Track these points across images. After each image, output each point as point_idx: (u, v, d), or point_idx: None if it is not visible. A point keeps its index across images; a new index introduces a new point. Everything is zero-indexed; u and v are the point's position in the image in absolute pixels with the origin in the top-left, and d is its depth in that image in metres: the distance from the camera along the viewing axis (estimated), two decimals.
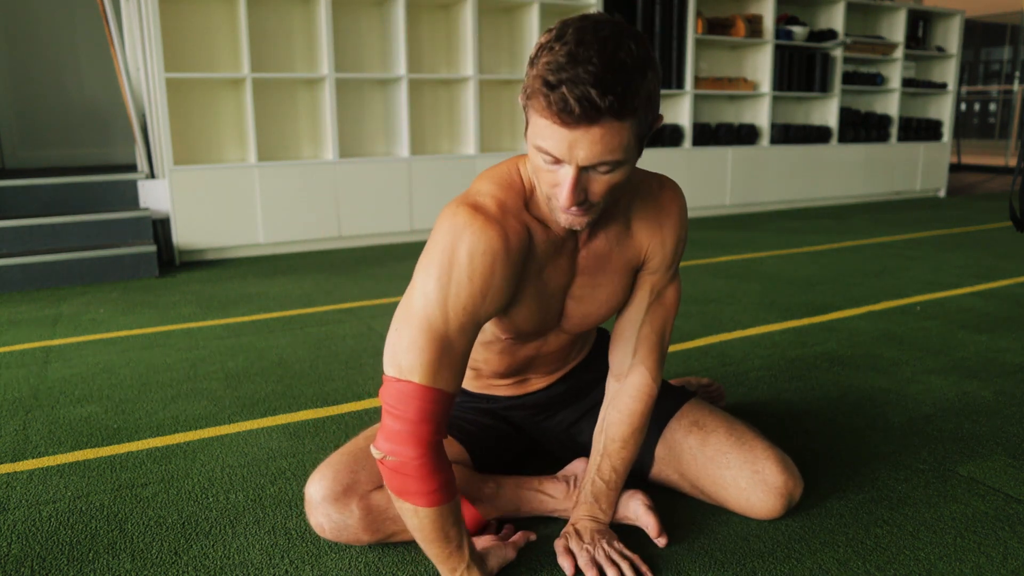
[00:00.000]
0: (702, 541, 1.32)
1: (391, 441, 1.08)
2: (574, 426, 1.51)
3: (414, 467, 1.08)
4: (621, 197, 1.19)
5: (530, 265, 1.16)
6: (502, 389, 1.48)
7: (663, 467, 1.43)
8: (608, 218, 1.20)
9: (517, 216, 1.13)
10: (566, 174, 1.00)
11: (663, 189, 1.25)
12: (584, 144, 0.96)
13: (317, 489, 1.26)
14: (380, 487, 1.29)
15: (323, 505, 1.25)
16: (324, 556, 1.29)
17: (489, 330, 1.27)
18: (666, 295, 1.30)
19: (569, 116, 0.94)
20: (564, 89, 0.93)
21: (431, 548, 1.15)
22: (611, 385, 1.34)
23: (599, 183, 1.02)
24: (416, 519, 1.12)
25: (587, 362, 1.50)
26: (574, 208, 1.03)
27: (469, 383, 1.51)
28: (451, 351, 1.09)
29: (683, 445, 1.40)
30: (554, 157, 0.99)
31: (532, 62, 0.98)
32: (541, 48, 0.97)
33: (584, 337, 1.46)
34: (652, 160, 5.28)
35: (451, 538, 1.14)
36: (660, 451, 1.42)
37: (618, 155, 0.98)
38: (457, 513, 1.14)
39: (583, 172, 1.00)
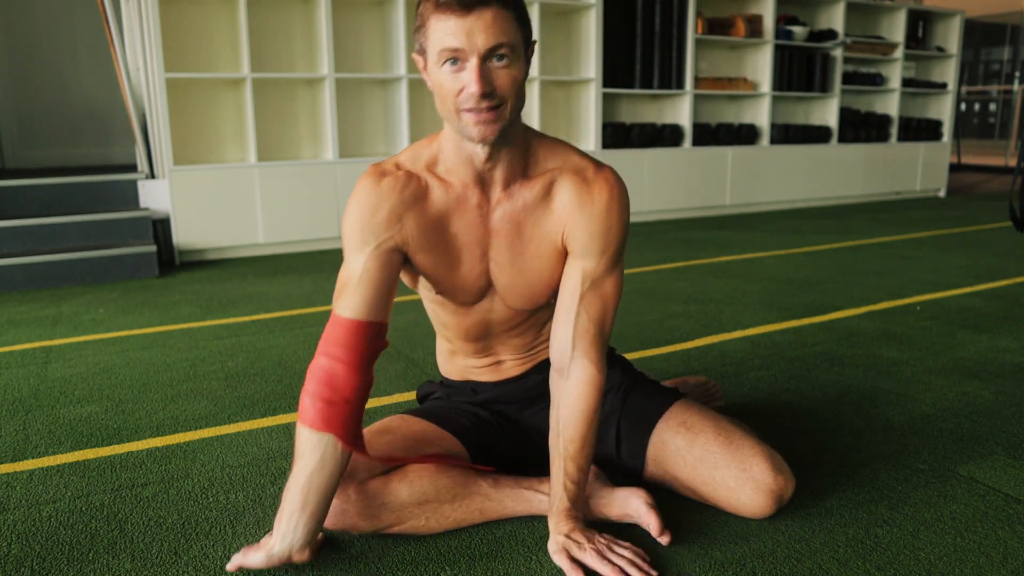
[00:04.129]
0: (702, 541, 1.32)
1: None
2: None
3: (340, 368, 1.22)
4: (535, 158, 1.29)
5: (427, 211, 1.27)
6: (479, 373, 1.51)
7: (654, 469, 1.43)
8: (523, 179, 1.29)
9: (412, 167, 1.28)
10: (471, 66, 1.11)
11: (598, 175, 1.30)
12: (480, 28, 1.09)
13: None
14: (377, 475, 1.30)
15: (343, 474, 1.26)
16: (324, 556, 1.29)
17: (424, 287, 1.39)
18: (604, 286, 1.30)
19: (463, 2, 1.08)
20: None
21: (291, 484, 1.21)
22: (555, 381, 1.33)
23: (501, 76, 1.13)
24: (308, 439, 1.20)
25: None
26: (484, 105, 1.12)
27: (448, 367, 1.56)
28: (363, 284, 1.24)
29: (671, 446, 1.40)
30: (457, 53, 1.11)
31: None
32: None
33: (542, 320, 1.46)
34: (652, 160, 5.29)
35: (307, 502, 1.20)
36: (650, 452, 1.43)
37: (512, 38, 1.12)
38: (327, 487, 1.21)
39: (484, 64, 1.11)
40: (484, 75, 1.11)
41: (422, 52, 1.17)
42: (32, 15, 4.76)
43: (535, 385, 1.50)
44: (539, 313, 1.44)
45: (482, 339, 1.46)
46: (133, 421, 1.91)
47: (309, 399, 1.22)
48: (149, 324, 2.82)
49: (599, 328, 1.30)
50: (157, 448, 1.75)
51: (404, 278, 1.37)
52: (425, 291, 1.42)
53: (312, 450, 1.19)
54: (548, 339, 1.48)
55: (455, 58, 1.11)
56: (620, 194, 1.29)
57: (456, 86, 1.13)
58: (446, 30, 1.10)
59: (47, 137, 4.89)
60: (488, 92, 1.12)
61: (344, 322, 1.23)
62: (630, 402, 1.47)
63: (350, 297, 1.24)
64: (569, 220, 1.28)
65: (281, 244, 4.30)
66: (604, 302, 1.30)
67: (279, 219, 4.23)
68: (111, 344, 2.58)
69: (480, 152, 1.22)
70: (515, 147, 1.25)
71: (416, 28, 1.16)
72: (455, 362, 1.54)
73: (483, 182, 1.27)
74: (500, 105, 1.14)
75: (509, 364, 1.51)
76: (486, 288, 1.36)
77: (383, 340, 1.27)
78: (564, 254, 1.31)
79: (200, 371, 2.29)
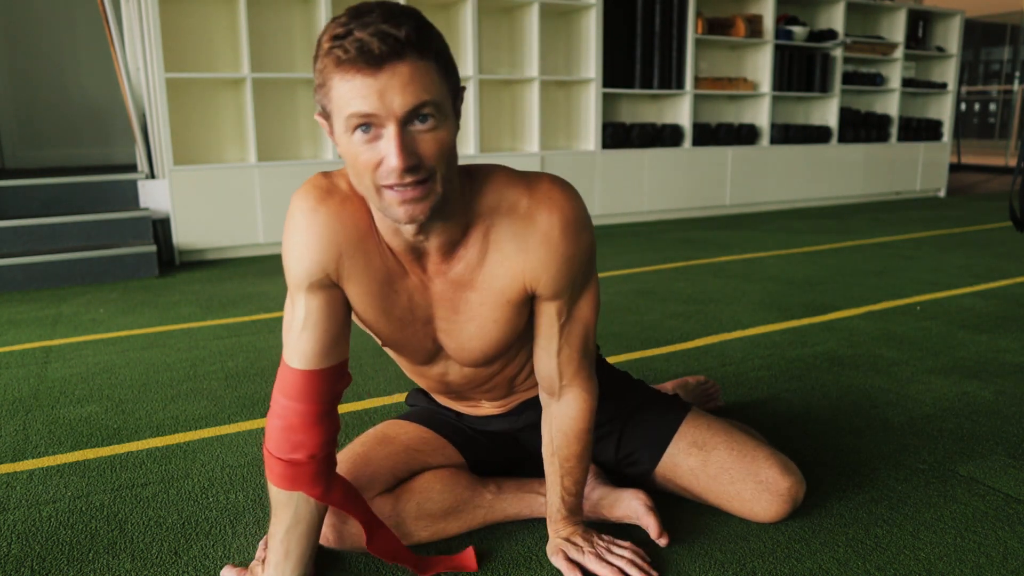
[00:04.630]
0: (702, 541, 1.32)
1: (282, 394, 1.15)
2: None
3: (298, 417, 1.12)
4: (467, 209, 1.09)
5: (369, 252, 1.10)
6: (459, 407, 1.45)
7: (664, 484, 1.42)
8: (462, 239, 1.11)
9: (364, 202, 1.08)
10: (389, 135, 0.91)
11: (535, 204, 1.09)
12: (396, 87, 0.90)
13: None
14: (379, 494, 1.29)
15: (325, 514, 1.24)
16: (322, 556, 1.29)
17: (371, 333, 1.25)
18: (580, 310, 1.18)
19: (371, 56, 0.88)
20: (356, 32, 0.89)
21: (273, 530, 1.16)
22: (546, 400, 1.27)
23: (427, 142, 0.93)
24: (277, 496, 1.14)
25: None
26: (409, 180, 0.93)
27: (434, 394, 1.47)
28: (308, 330, 1.12)
29: (683, 467, 1.38)
30: (369, 119, 0.91)
31: (317, 52, 0.94)
32: (322, 34, 0.94)
33: (510, 377, 1.34)
34: (652, 160, 5.29)
35: (290, 552, 1.15)
36: (660, 472, 1.40)
37: (436, 94, 0.92)
38: (306, 536, 1.16)
39: (406, 129, 0.92)
40: (405, 144, 0.91)
41: (325, 116, 0.96)
42: (32, 15, 4.76)
43: (520, 417, 1.43)
44: (506, 371, 1.31)
45: (450, 392, 1.38)
46: (133, 421, 1.91)
47: (271, 457, 1.13)
48: (149, 324, 2.82)
49: (582, 353, 1.21)
50: (157, 448, 1.75)
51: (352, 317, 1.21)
52: (375, 337, 1.25)
53: (284, 507, 1.14)
54: (525, 386, 1.38)
55: (367, 124, 0.91)
56: (570, 211, 1.10)
57: (372, 158, 0.93)
58: (353, 92, 0.90)
59: (47, 137, 4.89)
60: (413, 165, 0.92)
61: (294, 375, 1.11)
62: (634, 423, 1.43)
63: (296, 344, 1.11)
64: (526, 267, 1.11)
65: (281, 244, 4.29)
66: (584, 325, 1.20)
67: (279, 219, 4.22)
68: (111, 344, 2.58)
69: (409, 228, 1.05)
70: (452, 215, 1.06)
71: (316, 86, 0.95)
72: (436, 395, 1.46)
73: (417, 252, 1.11)
74: (428, 178, 0.95)
75: (486, 406, 1.42)
76: (436, 352, 1.24)
77: (344, 380, 1.15)
78: (525, 301, 1.16)
79: (200, 371, 2.29)
